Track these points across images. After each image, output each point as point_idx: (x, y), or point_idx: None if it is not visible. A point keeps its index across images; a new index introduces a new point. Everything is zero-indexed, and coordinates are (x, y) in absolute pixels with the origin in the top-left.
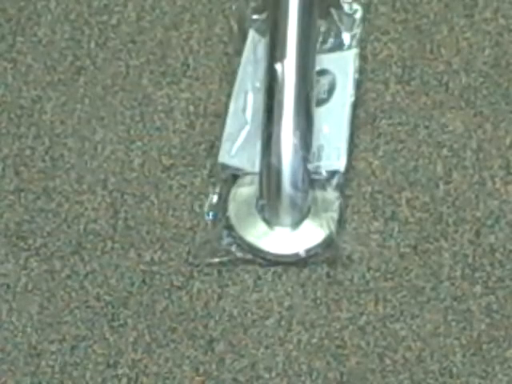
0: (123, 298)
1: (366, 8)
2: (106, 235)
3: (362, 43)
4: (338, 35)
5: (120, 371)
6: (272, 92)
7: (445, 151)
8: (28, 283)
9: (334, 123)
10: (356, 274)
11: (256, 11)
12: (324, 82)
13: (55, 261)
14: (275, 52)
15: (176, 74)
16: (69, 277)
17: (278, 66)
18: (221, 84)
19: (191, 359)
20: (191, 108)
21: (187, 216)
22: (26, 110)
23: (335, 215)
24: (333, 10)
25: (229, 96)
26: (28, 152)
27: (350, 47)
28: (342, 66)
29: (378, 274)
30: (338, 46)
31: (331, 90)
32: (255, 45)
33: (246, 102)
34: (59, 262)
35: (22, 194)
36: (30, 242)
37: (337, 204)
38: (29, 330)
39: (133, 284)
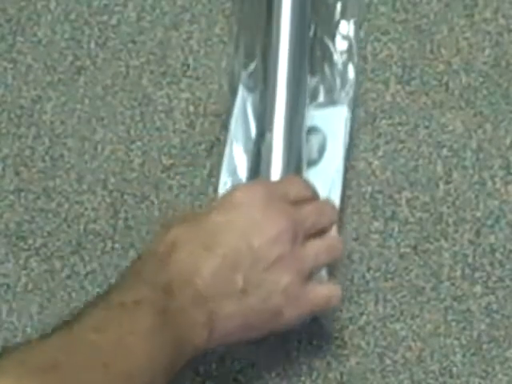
0: None
1: (360, 69)
2: (105, 235)
3: (356, 101)
4: (330, 92)
5: None
6: (259, 155)
7: (445, 151)
8: (28, 283)
9: (324, 186)
10: (356, 274)
11: (245, 66)
12: (314, 141)
13: (55, 261)
14: (265, 114)
15: (176, 74)
16: (69, 277)
17: (267, 129)
18: (221, 84)
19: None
20: (191, 108)
21: None
22: (26, 110)
23: None
24: (326, 67)
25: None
26: (28, 152)
27: (342, 105)
28: (333, 125)
29: (377, 274)
30: (330, 103)
31: (322, 150)
32: (244, 102)
33: (239, 163)
34: (59, 261)
35: (22, 194)
36: (30, 241)
37: None
38: (29, 330)
39: None
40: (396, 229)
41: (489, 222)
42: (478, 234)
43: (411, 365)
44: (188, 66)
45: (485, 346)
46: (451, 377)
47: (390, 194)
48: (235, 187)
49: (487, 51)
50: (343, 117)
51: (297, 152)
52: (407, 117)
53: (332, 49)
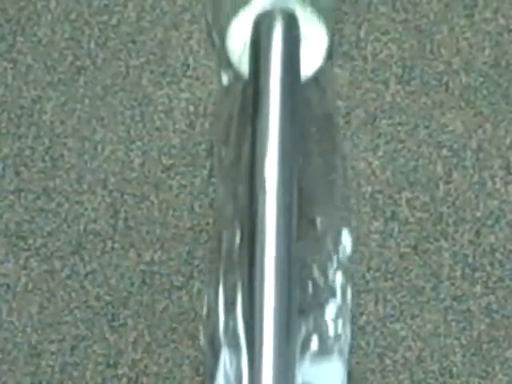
0: (123, 298)
1: (352, 322)
2: (105, 235)
3: (350, 347)
4: (324, 342)
5: (120, 371)
6: None
7: (445, 151)
8: (28, 283)
9: None
10: (356, 274)
11: (226, 328)
12: None
13: (55, 261)
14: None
15: (176, 74)
16: (69, 277)
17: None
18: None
19: (191, 359)
20: (191, 108)
21: (187, 216)
22: (26, 110)
23: None
24: (318, 312)
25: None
26: (28, 152)
27: (338, 360)
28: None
29: (378, 274)
30: (323, 353)
31: None
32: (226, 364)
33: None
34: (59, 261)
35: (22, 194)
36: (30, 241)
37: None
38: (29, 330)
39: (133, 284)
40: (396, 229)
41: (489, 222)
42: (478, 234)
43: (411, 365)
44: (188, 66)
45: (485, 346)
46: (451, 377)
47: (390, 194)
48: None
49: (487, 51)
50: (340, 374)
51: None
52: (407, 117)
53: (324, 288)
